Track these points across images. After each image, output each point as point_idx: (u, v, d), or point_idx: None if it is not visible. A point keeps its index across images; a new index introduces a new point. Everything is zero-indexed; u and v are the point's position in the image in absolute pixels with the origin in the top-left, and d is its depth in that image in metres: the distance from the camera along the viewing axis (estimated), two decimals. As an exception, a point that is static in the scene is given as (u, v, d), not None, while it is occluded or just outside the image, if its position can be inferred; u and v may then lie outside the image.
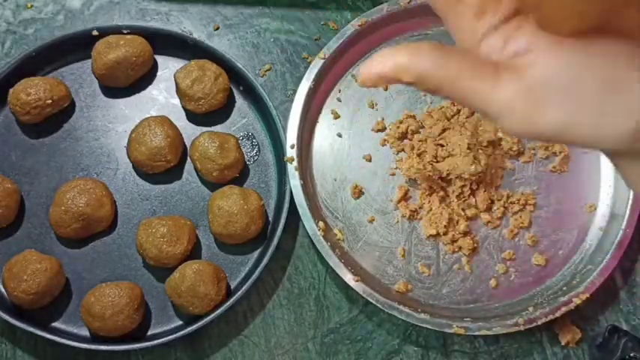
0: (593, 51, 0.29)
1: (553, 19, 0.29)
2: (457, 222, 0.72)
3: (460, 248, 0.72)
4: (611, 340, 0.66)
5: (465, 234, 0.72)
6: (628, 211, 0.71)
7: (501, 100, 0.30)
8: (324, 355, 0.70)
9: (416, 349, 0.71)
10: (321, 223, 0.70)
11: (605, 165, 0.75)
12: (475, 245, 0.72)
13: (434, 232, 0.72)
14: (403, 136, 0.75)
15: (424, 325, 0.68)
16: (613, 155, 0.33)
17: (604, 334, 0.67)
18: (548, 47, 0.30)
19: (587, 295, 0.68)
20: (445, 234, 0.72)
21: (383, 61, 0.31)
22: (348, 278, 0.69)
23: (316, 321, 0.71)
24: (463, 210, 0.73)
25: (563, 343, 0.71)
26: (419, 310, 0.68)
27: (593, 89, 0.29)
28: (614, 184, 0.74)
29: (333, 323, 0.71)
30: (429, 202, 0.73)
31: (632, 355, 0.64)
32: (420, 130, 0.76)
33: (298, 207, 0.71)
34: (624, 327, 0.71)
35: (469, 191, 0.73)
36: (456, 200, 0.73)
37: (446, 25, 0.33)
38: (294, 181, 0.71)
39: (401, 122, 0.76)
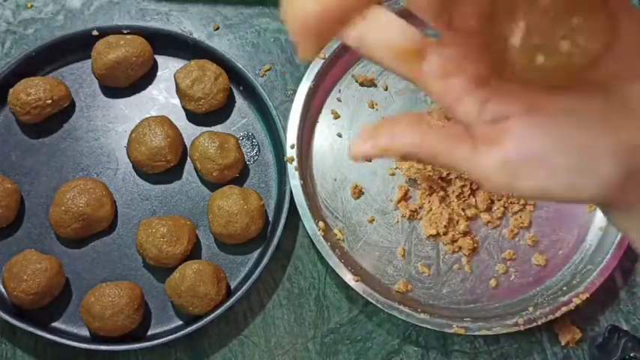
0: (566, 121, 0.30)
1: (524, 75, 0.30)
2: (457, 222, 0.72)
3: (460, 248, 0.72)
4: (611, 340, 0.66)
5: (465, 234, 0.72)
6: None
7: (480, 171, 0.32)
8: (324, 355, 0.70)
9: (416, 349, 0.71)
10: (321, 223, 0.70)
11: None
12: (475, 245, 0.72)
13: (434, 232, 0.72)
14: None
15: (424, 325, 0.68)
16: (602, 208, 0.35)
17: (604, 334, 0.67)
18: (523, 114, 0.31)
19: (587, 295, 0.68)
20: (445, 234, 0.72)
21: (366, 144, 0.34)
22: (348, 278, 0.69)
23: (316, 321, 0.71)
24: (463, 210, 0.73)
25: (563, 343, 0.71)
26: (419, 310, 0.68)
27: (566, 158, 0.30)
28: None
29: (333, 323, 0.71)
30: (429, 202, 0.73)
31: (632, 355, 0.64)
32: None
33: (298, 207, 0.71)
34: (624, 327, 0.71)
35: (469, 191, 0.73)
36: (456, 200, 0.73)
37: (419, 87, 0.33)
38: (294, 181, 0.71)
39: None
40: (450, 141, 0.32)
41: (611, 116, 0.30)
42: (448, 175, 0.73)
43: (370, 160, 0.39)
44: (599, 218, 0.73)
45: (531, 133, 0.31)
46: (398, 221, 0.73)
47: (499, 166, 0.31)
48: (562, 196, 0.32)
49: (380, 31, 0.33)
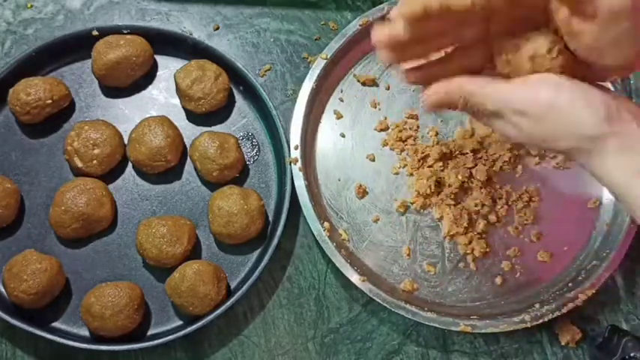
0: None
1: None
2: (477, 222, 0.73)
3: (473, 250, 0.72)
4: (611, 340, 0.66)
5: (482, 235, 0.72)
6: None
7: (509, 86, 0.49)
8: (324, 355, 0.70)
9: (416, 349, 0.71)
10: (326, 224, 0.71)
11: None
12: (487, 250, 0.72)
13: (454, 232, 0.72)
14: (405, 139, 0.76)
15: (431, 324, 0.68)
16: (584, 155, 0.48)
17: (604, 334, 0.67)
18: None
19: (594, 291, 0.68)
20: (465, 234, 0.72)
21: (427, 92, 0.52)
22: (355, 278, 0.69)
23: (316, 321, 0.71)
24: (484, 216, 0.73)
25: (563, 343, 0.71)
26: (425, 308, 0.68)
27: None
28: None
29: (333, 323, 0.71)
30: (444, 203, 0.73)
31: (632, 355, 0.64)
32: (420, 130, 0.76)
33: (303, 208, 0.71)
34: (624, 327, 0.71)
35: (490, 200, 0.73)
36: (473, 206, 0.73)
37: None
38: (299, 182, 0.71)
39: (399, 127, 0.76)
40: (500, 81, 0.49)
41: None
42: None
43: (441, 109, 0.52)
44: (604, 213, 0.74)
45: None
46: (402, 220, 0.73)
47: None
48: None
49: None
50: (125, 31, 0.76)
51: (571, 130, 0.47)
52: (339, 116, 0.77)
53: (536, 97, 0.46)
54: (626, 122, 0.46)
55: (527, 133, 0.48)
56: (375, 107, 0.77)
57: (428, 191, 0.73)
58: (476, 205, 0.73)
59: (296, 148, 0.73)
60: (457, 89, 0.49)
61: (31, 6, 0.82)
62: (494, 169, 0.75)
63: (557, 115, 0.46)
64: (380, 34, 0.49)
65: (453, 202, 0.73)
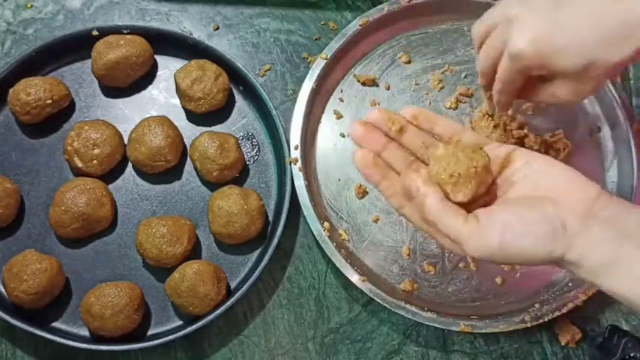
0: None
1: None
2: None
3: None
4: (611, 340, 0.66)
5: None
6: None
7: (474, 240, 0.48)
8: (324, 355, 0.70)
9: (416, 349, 0.71)
10: (326, 224, 0.71)
11: (609, 161, 0.75)
12: None
13: None
14: None
15: (431, 324, 0.68)
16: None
17: (604, 334, 0.67)
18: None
19: (594, 291, 0.68)
20: None
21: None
22: (355, 279, 0.69)
23: (316, 321, 0.71)
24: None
25: (563, 343, 0.71)
26: (425, 308, 0.68)
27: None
28: (617, 180, 0.74)
29: (333, 323, 0.71)
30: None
31: (632, 355, 0.64)
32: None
33: (303, 208, 0.71)
34: (624, 327, 0.71)
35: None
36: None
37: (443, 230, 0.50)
38: (299, 182, 0.71)
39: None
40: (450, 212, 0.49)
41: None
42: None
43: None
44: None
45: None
46: (402, 220, 0.73)
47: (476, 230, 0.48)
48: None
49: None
50: (125, 31, 0.76)
51: (532, 260, 0.48)
52: (339, 116, 0.77)
53: (486, 243, 0.47)
54: (570, 229, 0.47)
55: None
56: (375, 107, 0.77)
57: None
58: None
59: (296, 148, 0.73)
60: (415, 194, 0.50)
61: (31, 6, 0.82)
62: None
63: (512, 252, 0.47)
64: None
65: None
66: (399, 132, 0.56)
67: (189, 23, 0.81)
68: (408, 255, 0.73)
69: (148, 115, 0.75)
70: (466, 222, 0.48)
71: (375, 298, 0.68)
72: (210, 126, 0.76)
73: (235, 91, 0.78)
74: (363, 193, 0.74)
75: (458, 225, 0.48)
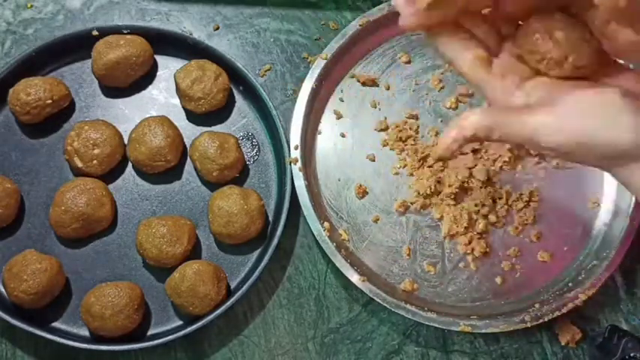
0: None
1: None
2: (476, 222, 0.73)
3: (473, 250, 0.72)
4: (611, 340, 0.66)
5: (482, 235, 0.72)
6: (632, 206, 0.72)
7: (537, 120, 0.45)
8: (324, 355, 0.70)
9: (416, 349, 0.71)
10: (326, 224, 0.71)
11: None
12: (487, 250, 0.72)
13: (454, 231, 0.72)
14: (405, 139, 0.76)
15: (431, 324, 0.68)
16: (615, 167, 0.46)
17: (604, 334, 0.67)
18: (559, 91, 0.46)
19: (594, 291, 0.68)
20: (464, 234, 0.72)
21: (447, 138, 0.47)
22: (355, 279, 0.69)
23: (316, 321, 0.71)
24: (483, 215, 0.73)
25: (563, 343, 0.71)
26: (425, 308, 0.68)
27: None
28: (617, 180, 0.75)
29: (333, 323, 0.71)
30: (448, 204, 0.74)
31: (632, 355, 0.64)
32: (420, 130, 0.76)
33: (303, 208, 0.71)
34: (624, 327, 0.71)
35: (490, 200, 0.73)
36: (474, 206, 0.73)
37: (483, 92, 0.48)
38: (299, 182, 0.71)
39: (398, 127, 0.76)
40: (505, 113, 0.46)
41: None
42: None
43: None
44: (604, 214, 0.74)
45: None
46: (402, 220, 0.73)
47: (552, 114, 0.44)
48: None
49: (462, 44, 0.47)
50: (125, 31, 0.76)
51: (605, 151, 0.45)
52: (339, 116, 0.77)
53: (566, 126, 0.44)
54: None
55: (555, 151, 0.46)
56: (375, 107, 0.77)
57: (428, 191, 0.73)
58: (476, 205, 0.73)
59: (296, 148, 0.73)
60: (475, 129, 0.46)
61: (31, 6, 0.82)
62: (494, 169, 0.75)
63: (592, 140, 0.44)
64: None
65: (452, 202, 0.73)
66: None
67: (189, 23, 0.81)
68: (408, 255, 0.73)
69: (148, 115, 0.75)
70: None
71: (375, 298, 0.68)
72: (210, 126, 0.76)
73: (235, 91, 0.78)
74: (363, 193, 0.74)
75: None
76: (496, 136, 0.46)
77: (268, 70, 0.80)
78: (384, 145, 0.76)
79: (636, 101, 0.44)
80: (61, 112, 0.75)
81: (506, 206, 0.74)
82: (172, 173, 0.74)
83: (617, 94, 0.44)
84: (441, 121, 0.77)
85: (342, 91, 0.78)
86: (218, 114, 0.76)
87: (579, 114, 0.44)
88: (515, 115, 0.46)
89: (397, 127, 0.76)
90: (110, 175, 0.74)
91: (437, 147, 0.48)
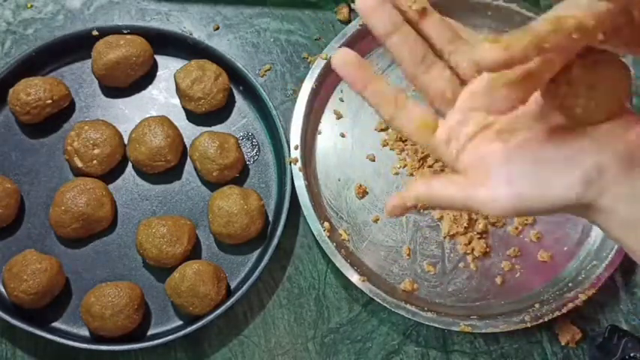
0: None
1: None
2: (476, 221, 0.73)
3: (472, 250, 0.72)
4: (611, 340, 0.66)
5: (482, 235, 0.72)
6: None
7: (471, 194, 0.42)
8: (324, 355, 0.70)
9: (416, 349, 0.71)
10: (326, 224, 0.71)
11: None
12: (487, 250, 0.72)
13: (454, 231, 0.72)
14: (405, 139, 0.76)
15: (431, 324, 0.68)
16: (583, 217, 0.43)
17: (604, 334, 0.67)
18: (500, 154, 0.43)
19: (594, 291, 0.68)
20: (464, 234, 0.72)
21: (392, 200, 0.45)
22: (355, 279, 0.69)
23: (316, 321, 0.71)
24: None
25: (563, 343, 0.71)
26: (425, 308, 0.68)
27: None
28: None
29: (333, 323, 0.71)
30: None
31: (632, 355, 0.64)
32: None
33: (303, 208, 0.71)
34: (624, 327, 0.71)
35: None
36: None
37: (432, 153, 0.47)
38: (299, 182, 0.71)
39: None
40: (451, 185, 0.43)
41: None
42: None
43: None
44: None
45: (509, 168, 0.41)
46: (403, 220, 0.73)
47: (476, 197, 0.42)
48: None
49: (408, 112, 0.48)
50: (125, 31, 0.76)
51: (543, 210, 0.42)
52: (339, 116, 0.77)
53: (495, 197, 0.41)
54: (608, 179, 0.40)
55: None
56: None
57: None
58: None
59: (296, 148, 0.73)
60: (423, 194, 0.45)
61: (31, 6, 0.82)
62: None
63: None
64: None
65: None
66: (420, 14, 0.44)
67: (189, 23, 0.81)
68: (408, 255, 0.73)
69: (148, 115, 0.75)
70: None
71: (375, 298, 0.68)
72: (210, 126, 0.76)
73: (235, 91, 0.78)
74: (363, 193, 0.74)
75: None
76: (437, 207, 0.47)
77: (268, 70, 0.80)
78: (384, 145, 0.76)
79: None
80: (61, 112, 0.75)
81: None
82: (172, 173, 0.74)
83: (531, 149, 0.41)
84: (441, 121, 0.77)
85: (342, 91, 0.78)
86: (218, 114, 0.76)
87: (507, 181, 0.41)
88: (453, 186, 0.43)
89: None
90: (110, 175, 0.74)
91: (385, 206, 0.47)
